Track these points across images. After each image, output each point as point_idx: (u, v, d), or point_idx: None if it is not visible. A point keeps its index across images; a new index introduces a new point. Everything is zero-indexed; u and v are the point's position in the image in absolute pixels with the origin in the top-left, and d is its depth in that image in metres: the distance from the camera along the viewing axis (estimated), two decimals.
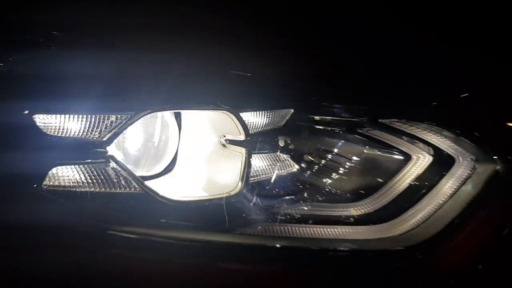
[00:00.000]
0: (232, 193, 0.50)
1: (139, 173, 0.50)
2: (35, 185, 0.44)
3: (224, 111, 0.48)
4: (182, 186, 0.50)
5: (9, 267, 0.43)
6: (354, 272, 0.51)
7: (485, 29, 0.60)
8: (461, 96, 0.52)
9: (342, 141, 0.53)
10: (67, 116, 0.43)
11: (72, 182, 0.45)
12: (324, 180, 0.53)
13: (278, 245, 0.49)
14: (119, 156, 0.47)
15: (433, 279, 0.50)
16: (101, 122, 0.44)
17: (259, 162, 0.51)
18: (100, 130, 0.44)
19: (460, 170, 0.53)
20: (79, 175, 0.44)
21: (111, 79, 0.45)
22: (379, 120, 0.50)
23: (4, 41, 0.46)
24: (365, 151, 0.54)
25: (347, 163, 0.54)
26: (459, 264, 0.50)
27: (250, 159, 0.49)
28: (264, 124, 0.50)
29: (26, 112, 0.42)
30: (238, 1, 0.62)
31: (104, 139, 0.44)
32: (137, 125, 0.47)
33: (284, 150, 0.51)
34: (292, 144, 0.52)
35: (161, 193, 0.47)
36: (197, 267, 0.48)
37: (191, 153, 0.52)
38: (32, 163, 0.43)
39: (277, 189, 0.52)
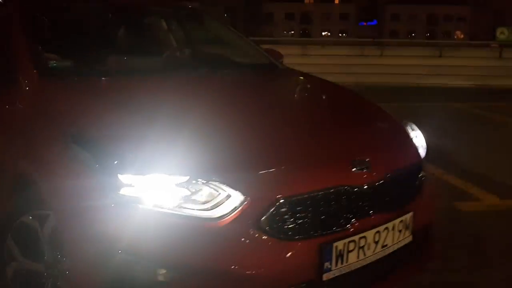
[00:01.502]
0: None
1: None
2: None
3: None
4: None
5: None
6: (202, 225, 1.72)
7: None
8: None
9: None
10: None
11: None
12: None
13: (176, 212, 1.69)
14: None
15: (221, 227, 1.69)
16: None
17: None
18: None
19: (235, 197, 1.72)
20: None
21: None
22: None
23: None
24: None
25: None
26: (229, 223, 1.69)
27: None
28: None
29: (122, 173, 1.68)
30: None
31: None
32: None
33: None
34: None
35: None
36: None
37: None
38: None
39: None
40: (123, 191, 1.69)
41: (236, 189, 1.70)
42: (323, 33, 76.35)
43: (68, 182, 1.83)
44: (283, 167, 1.83)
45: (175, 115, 2.08)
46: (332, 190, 1.82)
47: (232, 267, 1.67)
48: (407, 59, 13.20)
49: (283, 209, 1.72)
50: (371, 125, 2.43)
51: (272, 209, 1.70)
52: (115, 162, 1.72)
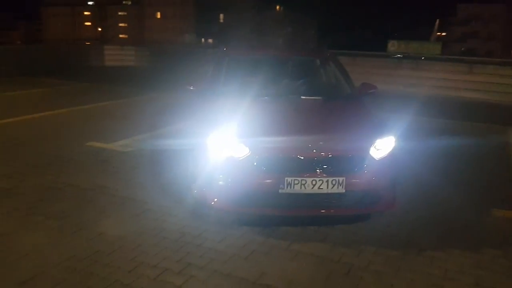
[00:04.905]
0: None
1: None
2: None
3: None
4: None
5: None
6: (236, 159, 4.28)
7: None
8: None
9: None
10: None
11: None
12: None
13: (228, 154, 4.31)
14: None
15: (241, 160, 4.19)
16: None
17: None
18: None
19: (246, 150, 4.20)
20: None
21: None
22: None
23: None
24: None
25: None
26: (243, 159, 4.19)
27: None
28: None
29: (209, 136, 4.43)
30: None
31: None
32: None
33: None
34: None
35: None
36: None
37: None
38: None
39: None
40: (209, 144, 4.37)
41: (246, 146, 4.18)
42: None
43: (198, 137, 4.66)
44: (272, 140, 4.21)
45: (262, 115, 4.67)
46: (293, 157, 4.11)
47: (244, 176, 4.10)
48: None
49: (266, 159, 4.12)
50: (344, 129, 4.52)
51: (258, 158, 4.13)
52: (207, 131, 4.43)
